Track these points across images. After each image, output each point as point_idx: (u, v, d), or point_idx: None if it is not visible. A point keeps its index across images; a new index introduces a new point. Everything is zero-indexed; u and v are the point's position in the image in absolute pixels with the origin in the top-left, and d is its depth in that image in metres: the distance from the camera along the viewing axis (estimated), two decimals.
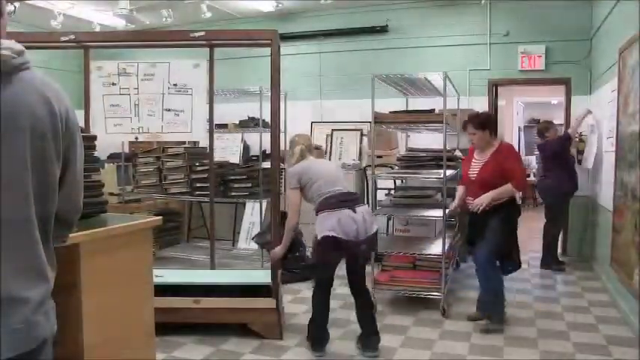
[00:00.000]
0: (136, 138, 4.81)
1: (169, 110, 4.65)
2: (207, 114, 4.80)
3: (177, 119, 4.66)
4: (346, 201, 3.81)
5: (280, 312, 4.27)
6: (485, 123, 4.43)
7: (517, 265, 4.57)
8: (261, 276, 4.44)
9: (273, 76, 4.14)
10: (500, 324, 4.36)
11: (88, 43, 4.61)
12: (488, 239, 4.32)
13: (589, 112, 6.56)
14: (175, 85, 4.66)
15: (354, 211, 3.74)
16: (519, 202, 5.29)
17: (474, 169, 4.49)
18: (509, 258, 4.50)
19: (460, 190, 4.81)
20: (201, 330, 4.22)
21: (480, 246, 4.40)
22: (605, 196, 5.64)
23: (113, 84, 4.64)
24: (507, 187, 4.30)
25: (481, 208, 4.28)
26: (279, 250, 4.05)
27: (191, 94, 4.66)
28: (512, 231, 4.48)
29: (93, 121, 4.60)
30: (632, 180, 4.34)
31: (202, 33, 4.28)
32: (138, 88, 4.64)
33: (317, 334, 3.91)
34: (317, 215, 3.77)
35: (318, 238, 3.70)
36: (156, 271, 4.08)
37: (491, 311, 4.38)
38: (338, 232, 3.65)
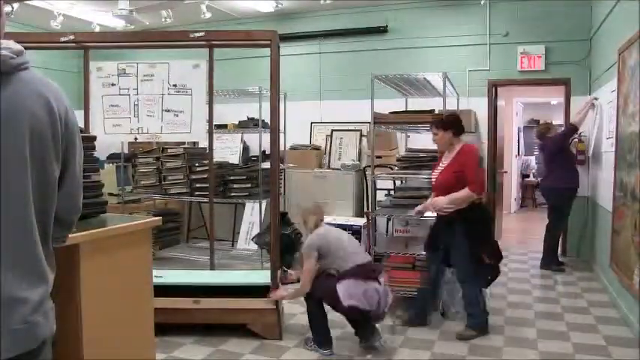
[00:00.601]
0: (135, 139, 4.81)
1: (169, 111, 4.66)
2: (206, 114, 4.80)
3: (177, 120, 4.66)
4: (373, 271, 3.91)
5: (280, 312, 4.27)
6: (447, 123, 4.31)
7: (496, 273, 4.49)
8: (261, 277, 4.44)
9: (272, 77, 4.13)
10: (483, 332, 4.28)
11: (87, 43, 4.61)
12: (458, 257, 4.26)
13: (594, 99, 6.49)
14: (175, 85, 4.66)
15: (379, 283, 3.84)
16: (518, 202, 5.29)
17: (435, 173, 4.43)
18: (482, 263, 4.32)
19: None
20: (201, 330, 4.22)
21: (454, 262, 4.36)
22: (605, 196, 5.64)
23: (113, 84, 4.64)
24: (463, 193, 4.13)
25: (433, 211, 4.27)
26: (279, 293, 4.15)
27: (191, 95, 4.67)
28: (483, 237, 4.32)
29: (92, 121, 4.60)
30: (632, 180, 4.34)
31: (202, 33, 4.29)
32: (137, 89, 4.65)
33: (323, 332, 3.95)
34: (341, 279, 3.77)
35: (345, 304, 3.71)
36: (155, 272, 4.07)
37: (472, 321, 4.31)
38: (364, 305, 3.73)
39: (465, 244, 4.18)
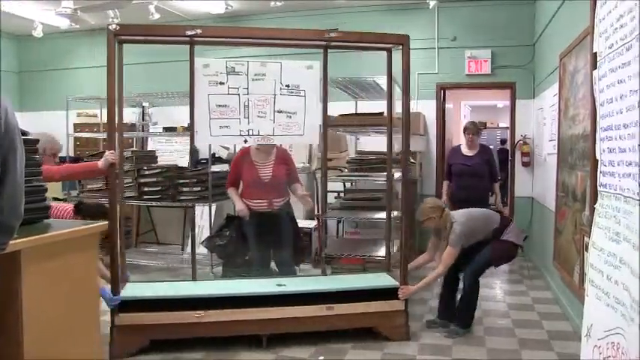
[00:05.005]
0: (245, 141, 4.53)
1: (281, 112, 4.44)
2: (319, 116, 4.64)
3: (290, 121, 4.44)
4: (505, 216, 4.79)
5: (408, 313, 4.30)
6: None
7: None
8: (385, 279, 4.46)
9: (404, 82, 4.35)
10: None
11: (195, 38, 4.33)
12: (289, 250, 4.81)
13: None
14: (287, 86, 4.45)
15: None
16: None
17: (265, 171, 4.73)
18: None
19: (234, 193, 4.87)
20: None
21: (285, 257, 4.84)
22: (548, 197, 5.81)
23: (221, 83, 4.37)
24: (299, 186, 4.82)
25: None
26: (409, 289, 4.23)
27: (304, 96, 4.48)
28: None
29: (197, 122, 4.33)
30: (573, 181, 4.50)
31: (336, 33, 4.30)
32: (248, 88, 4.42)
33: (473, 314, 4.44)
34: (502, 235, 4.34)
35: (520, 242, 4.42)
36: (277, 280, 4.36)
37: None
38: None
39: (292, 235, 4.82)
